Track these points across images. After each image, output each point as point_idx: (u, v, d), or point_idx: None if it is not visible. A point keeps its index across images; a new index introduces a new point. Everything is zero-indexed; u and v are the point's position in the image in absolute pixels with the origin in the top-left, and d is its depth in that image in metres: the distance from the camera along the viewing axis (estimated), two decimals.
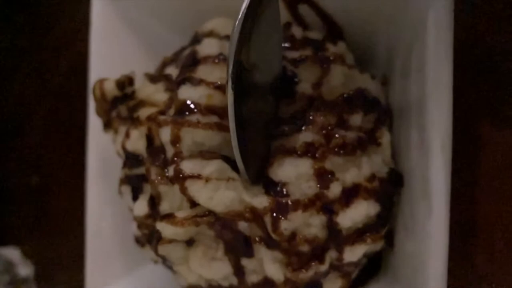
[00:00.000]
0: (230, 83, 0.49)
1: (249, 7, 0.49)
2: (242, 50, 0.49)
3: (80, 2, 0.86)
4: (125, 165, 0.66)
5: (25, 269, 0.96)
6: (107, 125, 0.70)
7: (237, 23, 0.48)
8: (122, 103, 0.67)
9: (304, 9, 0.69)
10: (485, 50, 0.69)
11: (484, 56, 0.69)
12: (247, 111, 0.52)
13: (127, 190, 0.67)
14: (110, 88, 0.67)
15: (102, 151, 0.77)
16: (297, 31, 0.66)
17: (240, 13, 0.48)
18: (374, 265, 0.67)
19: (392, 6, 0.63)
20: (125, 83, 0.66)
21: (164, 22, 0.77)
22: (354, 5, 0.66)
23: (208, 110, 0.58)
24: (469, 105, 0.68)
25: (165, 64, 0.70)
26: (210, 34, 0.67)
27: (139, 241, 0.68)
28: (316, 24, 0.70)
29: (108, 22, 0.77)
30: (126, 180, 0.67)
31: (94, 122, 0.75)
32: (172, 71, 0.66)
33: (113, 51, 0.78)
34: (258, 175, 0.57)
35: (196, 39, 0.68)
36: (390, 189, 0.62)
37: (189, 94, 0.59)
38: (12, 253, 0.97)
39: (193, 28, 0.71)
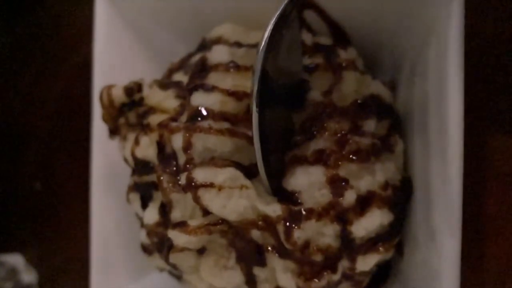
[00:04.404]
0: (254, 106, 0.50)
1: (276, 22, 0.50)
2: (268, 59, 0.50)
3: (83, 7, 0.86)
4: (134, 172, 0.66)
5: (28, 276, 0.96)
6: (113, 131, 0.70)
7: (263, 42, 0.49)
8: (130, 110, 0.66)
9: (309, 15, 0.69)
10: (494, 54, 0.69)
11: (493, 61, 0.69)
12: (266, 125, 0.52)
13: (135, 197, 0.67)
14: (118, 95, 0.66)
15: (107, 157, 0.76)
16: (307, 37, 0.65)
17: (267, 31, 0.50)
18: (383, 272, 0.67)
19: (400, 12, 0.62)
20: (134, 89, 0.66)
21: (168, 28, 0.76)
22: (360, 11, 0.66)
23: (221, 116, 0.58)
24: (477, 111, 0.68)
25: (172, 70, 0.69)
26: (219, 40, 0.66)
27: (147, 249, 0.67)
28: (322, 30, 0.70)
29: (112, 28, 0.76)
30: (135, 187, 0.66)
31: (98, 128, 0.75)
32: (181, 77, 0.66)
33: (117, 58, 0.77)
34: (276, 187, 0.57)
35: (204, 46, 0.68)
36: (403, 198, 0.61)
37: (202, 101, 0.59)
38: (16, 260, 0.97)
39: (198, 34, 0.70)
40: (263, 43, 0.49)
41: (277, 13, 0.50)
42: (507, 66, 0.69)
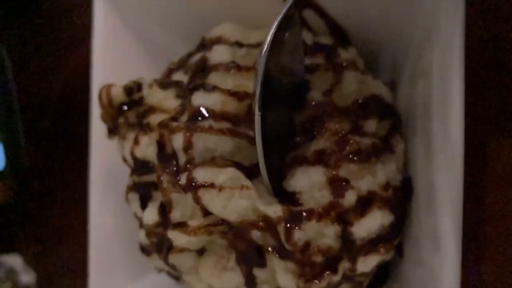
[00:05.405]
0: (257, 109, 0.50)
1: (279, 25, 0.50)
2: (271, 61, 0.50)
3: (82, 7, 0.86)
4: (134, 172, 0.66)
5: (27, 277, 0.95)
6: (112, 131, 0.70)
7: (265, 47, 0.50)
8: (129, 109, 0.66)
9: (308, 14, 0.68)
10: (495, 55, 0.69)
11: (494, 61, 0.69)
12: (268, 125, 0.52)
13: (135, 197, 0.66)
14: (118, 94, 0.66)
15: (106, 158, 0.76)
16: (307, 37, 0.65)
17: (270, 34, 0.50)
18: (383, 273, 0.67)
19: (401, 11, 0.62)
20: (133, 88, 0.66)
21: (167, 28, 0.76)
22: (360, 10, 0.66)
23: (222, 116, 0.58)
24: (478, 112, 0.68)
25: (171, 70, 0.69)
26: (219, 40, 0.66)
27: (145, 250, 0.67)
28: (321, 30, 0.69)
29: (110, 27, 0.76)
30: (134, 187, 0.66)
31: (97, 128, 0.75)
32: (181, 77, 0.66)
33: (116, 57, 0.77)
34: (277, 188, 0.57)
35: (204, 45, 0.67)
36: (403, 198, 0.61)
37: (203, 101, 0.59)
38: (14, 261, 0.96)
39: (197, 34, 0.70)
40: (265, 47, 0.49)
41: (280, 16, 0.50)
42: (508, 66, 0.68)
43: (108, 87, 0.67)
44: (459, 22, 0.54)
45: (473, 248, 0.67)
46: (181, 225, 0.58)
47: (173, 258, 0.60)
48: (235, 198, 0.55)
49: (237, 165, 0.57)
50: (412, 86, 0.63)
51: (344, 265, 0.58)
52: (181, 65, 0.68)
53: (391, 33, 0.66)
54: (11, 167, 0.92)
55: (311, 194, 0.56)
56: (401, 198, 0.61)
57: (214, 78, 0.60)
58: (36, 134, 0.99)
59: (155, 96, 0.64)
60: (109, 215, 0.77)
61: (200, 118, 0.58)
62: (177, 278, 0.69)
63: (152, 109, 0.64)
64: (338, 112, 0.59)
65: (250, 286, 0.60)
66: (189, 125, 0.58)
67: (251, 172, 0.57)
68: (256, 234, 0.57)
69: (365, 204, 0.57)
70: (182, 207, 0.59)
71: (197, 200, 0.56)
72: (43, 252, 0.98)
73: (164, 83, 0.65)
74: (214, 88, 0.59)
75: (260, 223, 0.56)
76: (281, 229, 0.55)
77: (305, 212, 0.55)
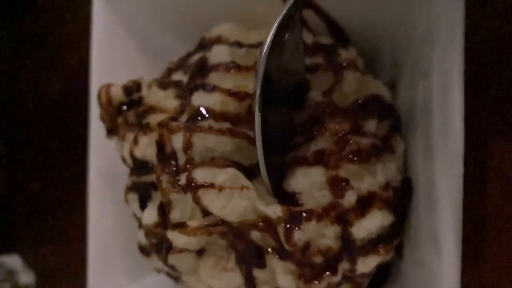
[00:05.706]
0: (257, 110, 0.50)
1: (279, 25, 0.50)
2: (271, 61, 0.50)
3: (81, 7, 0.86)
4: (133, 172, 0.66)
5: (26, 277, 0.95)
6: (111, 131, 0.69)
7: (265, 47, 0.50)
8: (128, 109, 0.66)
9: (308, 15, 0.68)
10: (495, 55, 0.69)
11: (494, 61, 0.69)
12: (268, 125, 0.52)
13: (134, 198, 0.66)
14: (117, 94, 0.66)
15: (105, 157, 0.76)
16: (307, 37, 0.65)
17: (270, 35, 0.50)
18: (382, 273, 0.67)
19: (400, 11, 0.62)
20: (133, 88, 0.65)
21: (166, 28, 0.77)
22: (359, 10, 0.66)
23: (222, 116, 0.58)
24: (478, 112, 0.67)
25: (171, 70, 0.69)
26: (219, 40, 0.66)
27: (145, 250, 0.67)
28: (321, 30, 0.69)
29: (109, 27, 0.76)
30: (133, 187, 0.66)
31: (96, 128, 0.75)
32: (180, 77, 0.66)
33: (114, 57, 0.77)
34: (277, 188, 0.57)
35: (204, 45, 0.67)
36: (403, 198, 0.61)
37: (203, 101, 0.59)
38: (14, 261, 0.96)
39: (196, 34, 0.70)
40: (265, 47, 0.49)
41: (280, 16, 0.50)
42: (508, 66, 0.68)
43: (107, 87, 0.66)
44: (459, 22, 0.54)
45: (473, 249, 0.67)
46: (180, 226, 0.58)
47: (172, 259, 0.60)
48: (235, 198, 0.55)
49: (237, 165, 0.57)
50: (412, 86, 0.63)
51: (344, 266, 0.58)
52: (181, 65, 0.68)
53: (391, 33, 0.66)
54: None
55: (311, 194, 0.56)
56: (401, 198, 0.61)
57: (214, 78, 0.60)
58: (35, 134, 0.99)
59: (154, 96, 0.64)
60: (108, 215, 0.76)
61: (200, 118, 0.58)
62: (176, 278, 0.69)
63: (151, 109, 0.64)
64: (338, 112, 0.59)
65: (249, 287, 0.60)
66: (189, 125, 0.58)
67: (251, 172, 0.57)
68: (255, 235, 0.57)
69: (365, 204, 0.57)
70: (182, 207, 0.59)
71: (197, 200, 0.56)
72: (42, 252, 0.98)
73: (164, 83, 0.65)
74: (214, 88, 0.59)
75: (260, 224, 0.56)
76: (281, 229, 0.55)
77: (305, 212, 0.55)
